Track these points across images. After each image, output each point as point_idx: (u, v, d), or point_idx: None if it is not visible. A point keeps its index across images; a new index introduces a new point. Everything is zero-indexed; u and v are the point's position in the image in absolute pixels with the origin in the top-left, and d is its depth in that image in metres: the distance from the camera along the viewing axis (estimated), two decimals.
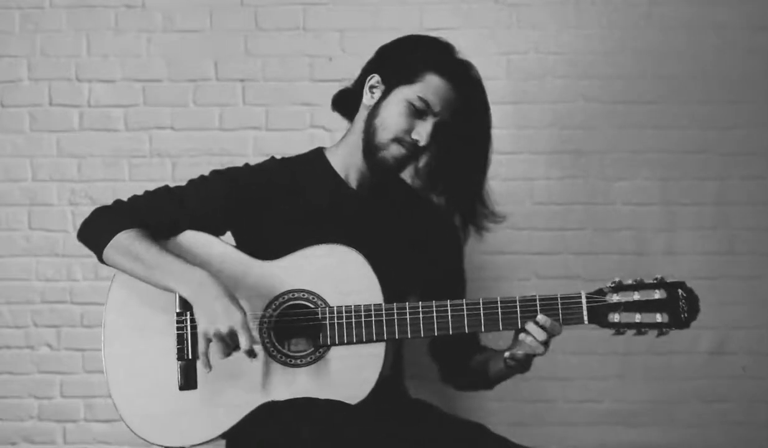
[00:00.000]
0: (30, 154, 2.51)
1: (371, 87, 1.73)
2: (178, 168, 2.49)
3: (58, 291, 2.50)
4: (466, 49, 2.46)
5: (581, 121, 2.49)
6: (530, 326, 1.60)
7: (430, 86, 1.67)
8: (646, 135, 2.48)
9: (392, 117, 1.68)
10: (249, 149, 2.48)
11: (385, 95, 1.70)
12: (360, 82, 1.77)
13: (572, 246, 2.48)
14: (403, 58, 1.71)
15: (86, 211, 1.77)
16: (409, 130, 1.68)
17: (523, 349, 1.63)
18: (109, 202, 1.79)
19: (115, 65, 2.51)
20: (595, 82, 2.48)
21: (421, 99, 1.66)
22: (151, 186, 1.81)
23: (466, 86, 1.70)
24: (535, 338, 1.60)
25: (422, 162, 1.73)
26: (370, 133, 1.71)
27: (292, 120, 2.47)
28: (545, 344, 1.62)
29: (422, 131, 1.67)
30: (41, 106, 2.51)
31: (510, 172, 2.49)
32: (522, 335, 1.62)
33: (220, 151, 2.49)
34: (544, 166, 2.49)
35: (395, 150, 1.69)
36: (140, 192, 1.78)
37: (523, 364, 1.69)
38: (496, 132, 2.47)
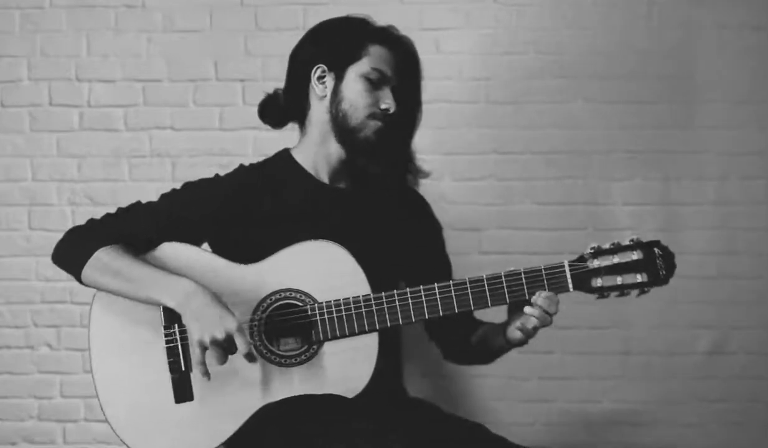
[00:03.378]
0: (30, 154, 2.51)
1: (319, 78, 1.75)
2: (178, 168, 2.49)
3: (58, 291, 2.50)
4: (466, 49, 2.48)
5: (581, 121, 2.49)
6: (540, 300, 1.60)
7: (376, 56, 1.72)
8: (646, 135, 2.48)
9: (358, 96, 1.71)
10: (249, 149, 2.48)
11: (339, 80, 1.73)
12: (297, 82, 1.79)
13: (572, 246, 2.48)
14: (340, 40, 1.74)
15: (86, 211, 1.77)
16: (376, 103, 1.71)
17: (531, 323, 1.62)
18: (109, 202, 1.79)
19: (115, 65, 2.51)
20: (595, 82, 2.48)
21: (374, 70, 1.71)
22: (151, 186, 1.82)
23: (400, 48, 1.75)
24: (545, 310, 1.60)
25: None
26: (340, 119, 1.72)
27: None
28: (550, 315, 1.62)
29: (386, 99, 1.71)
30: (41, 106, 2.51)
31: (510, 172, 2.49)
32: (529, 310, 1.61)
33: (220, 151, 2.49)
34: (543, 167, 2.49)
35: (373, 125, 1.72)
36: (140, 192, 1.78)
37: (528, 336, 1.69)
38: (496, 131, 2.50)
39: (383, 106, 1.70)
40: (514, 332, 1.66)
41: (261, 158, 1.86)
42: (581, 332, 2.48)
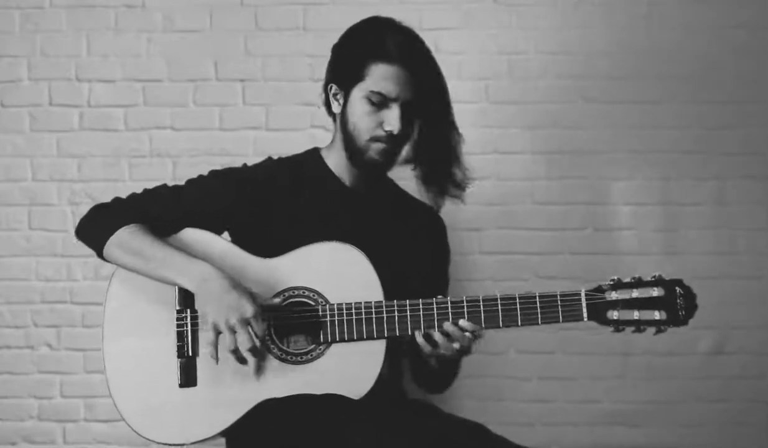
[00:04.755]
0: (30, 154, 2.51)
1: (334, 95, 1.75)
2: (178, 168, 2.49)
3: (58, 291, 2.50)
4: (466, 49, 2.48)
5: (581, 121, 2.49)
6: (451, 329, 1.61)
7: (378, 76, 1.66)
8: (646, 135, 2.48)
9: (359, 119, 1.69)
10: (249, 149, 2.48)
11: (345, 101, 1.72)
12: (325, 92, 1.79)
13: (572, 246, 2.48)
14: (346, 58, 1.72)
15: (86, 211, 1.77)
16: (379, 124, 1.68)
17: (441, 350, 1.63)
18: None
19: (115, 65, 2.51)
20: (595, 82, 2.48)
21: (374, 93, 1.66)
22: (151, 186, 1.82)
23: (412, 60, 1.68)
24: (456, 340, 1.61)
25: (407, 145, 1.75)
26: (348, 140, 1.72)
27: (292, 120, 2.47)
28: (463, 347, 1.62)
29: (391, 120, 1.67)
30: (41, 106, 2.51)
31: (510, 172, 2.49)
32: (439, 338, 1.61)
33: (220, 151, 2.49)
34: (544, 166, 2.49)
35: (376, 147, 1.70)
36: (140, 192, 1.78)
37: (453, 366, 1.72)
38: (497, 132, 2.50)
39: (387, 128, 1.67)
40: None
41: (262, 158, 1.87)
42: (581, 332, 2.47)
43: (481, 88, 2.48)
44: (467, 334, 1.62)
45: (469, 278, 2.46)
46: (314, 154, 1.84)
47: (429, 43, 1.75)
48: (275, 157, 1.85)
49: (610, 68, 2.48)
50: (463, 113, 2.43)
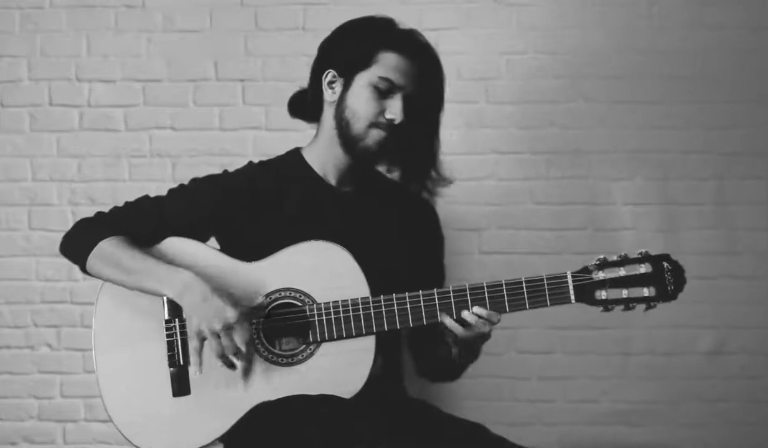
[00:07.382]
0: (30, 154, 2.51)
1: (330, 83, 1.74)
2: (178, 168, 2.49)
3: (58, 291, 2.50)
4: (466, 49, 2.48)
5: (581, 121, 2.49)
6: (468, 316, 1.60)
7: (387, 64, 1.68)
8: (646, 135, 2.48)
9: (361, 105, 1.69)
10: (249, 149, 2.48)
11: (346, 87, 1.71)
12: (314, 84, 1.78)
13: (572, 246, 2.48)
14: (351, 46, 1.71)
15: (86, 211, 1.78)
16: (381, 112, 1.69)
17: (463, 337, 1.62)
18: (109, 202, 1.79)
19: (115, 65, 2.51)
20: (595, 82, 2.48)
21: (382, 79, 1.67)
22: (151, 186, 1.82)
23: (418, 54, 1.71)
24: (473, 327, 1.60)
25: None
26: (343, 127, 1.71)
27: (291, 120, 2.46)
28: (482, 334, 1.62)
29: (395, 109, 1.68)
30: (41, 106, 2.51)
31: (510, 172, 2.49)
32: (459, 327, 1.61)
33: (220, 151, 2.49)
34: (544, 166, 2.49)
35: (375, 135, 1.70)
36: (140, 192, 1.79)
37: (474, 351, 1.70)
38: (496, 132, 2.50)
39: (389, 116, 1.68)
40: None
41: (261, 158, 1.87)
42: (581, 332, 2.47)
43: (481, 88, 2.48)
44: (482, 321, 1.60)
45: (469, 278, 2.45)
46: (295, 154, 1.83)
47: (429, 42, 1.75)
48: (265, 159, 1.85)
49: (610, 68, 2.48)
50: (462, 113, 2.46)
